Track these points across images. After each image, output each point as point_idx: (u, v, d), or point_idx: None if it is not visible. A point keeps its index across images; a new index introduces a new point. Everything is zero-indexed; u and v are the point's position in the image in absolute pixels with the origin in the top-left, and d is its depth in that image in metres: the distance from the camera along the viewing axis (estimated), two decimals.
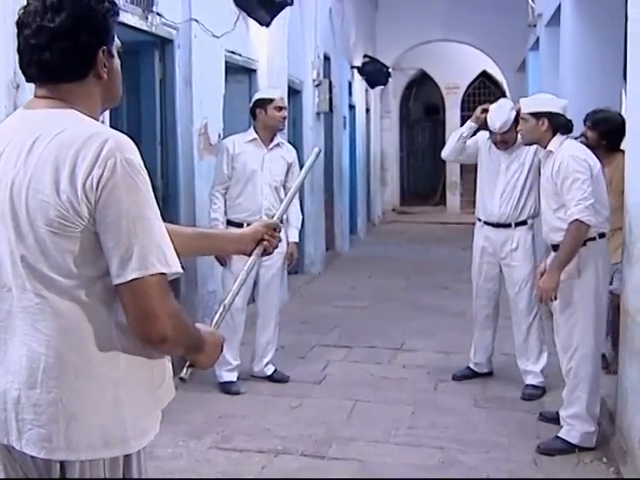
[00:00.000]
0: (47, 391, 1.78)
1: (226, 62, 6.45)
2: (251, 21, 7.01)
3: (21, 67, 1.85)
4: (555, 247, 4.36)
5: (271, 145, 5.45)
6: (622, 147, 5.07)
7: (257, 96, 5.54)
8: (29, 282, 1.77)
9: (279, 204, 5.29)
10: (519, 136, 5.20)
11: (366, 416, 4.89)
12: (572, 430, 4.31)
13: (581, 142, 4.79)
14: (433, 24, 14.97)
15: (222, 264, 5.22)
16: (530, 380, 5.31)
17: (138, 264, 1.70)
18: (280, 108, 5.36)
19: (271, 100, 5.33)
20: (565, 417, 4.35)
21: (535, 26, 10.11)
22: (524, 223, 5.33)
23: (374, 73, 13.64)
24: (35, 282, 1.77)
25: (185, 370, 1.98)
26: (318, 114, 9.98)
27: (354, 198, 13.43)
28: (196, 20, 5.67)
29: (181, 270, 1.79)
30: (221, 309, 2.14)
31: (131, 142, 1.77)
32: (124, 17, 4.63)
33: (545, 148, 4.42)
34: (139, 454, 1.90)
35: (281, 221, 5.50)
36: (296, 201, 5.41)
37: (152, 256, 1.72)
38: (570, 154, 4.25)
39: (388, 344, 6.57)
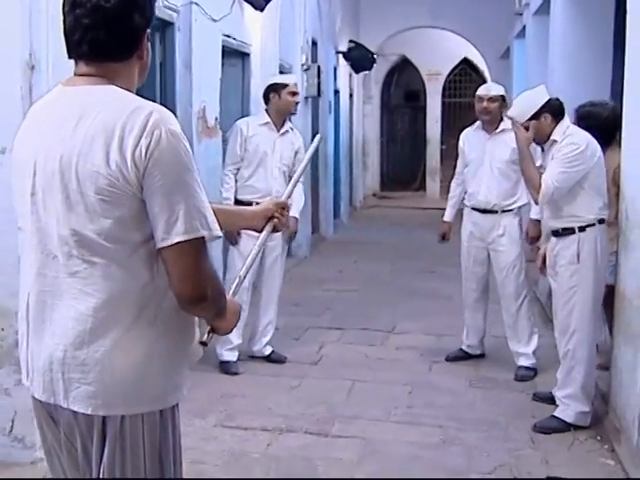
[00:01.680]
0: (94, 350, 1.89)
1: (222, 46, 6.48)
2: (246, 5, 7.05)
3: (69, 45, 1.92)
4: (554, 232, 4.48)
5: (282, 130, 5.55)
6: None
7: (271, 81, 5.62)
8: (76, 249, 1.87)
9: (285, 187, 5.39)
10: (502, 124, 5.42)
11: (365, 395, 5.00)
12: (567, 409, 4.44)
13: None
14: (416, 10, 15.02)
15: (232, 243, 5.31)
16: (522, 362, 5.44)
17: (183, 228, 1.82)
18: (294, 93, 5.45)
19: (285, 85, 5.43)
20: (561, 397, 4.48)
21: (521, 14, 10.21)
22: (511, 210, 5.47)
23: (359, 58, 13.70)
24: (83, 249, 1.87)
25: (207, 335, 2.10)
26: (306, 98, 10.01)
27: (337, 183, 13.50)
28: (196, 3, 5.70)
29: (221, 234, 1.93)
30: (237, 280, 2.28)
31: (172, 114, 1.88)
32: None
33: (549, 137, 4.49)
34: (173, 409, 2.03)
35: None
36: (301, 185, 5.52)
37: (195, 221, 1.83)
38: (572, 141, 4.35)
39: (380, 326, 6.69)
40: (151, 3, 1.97)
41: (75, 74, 1.96)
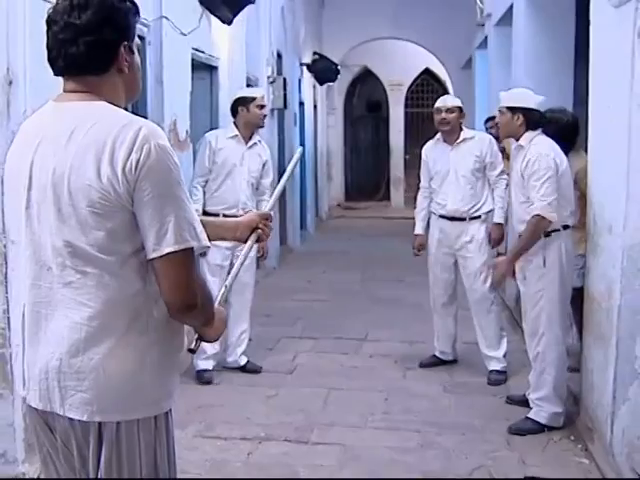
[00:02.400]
0: (89, 358, 1.96)
1: (192, 59, 6.52)
2: (213, 19, 7.09)
3: (49, 61, 2.01)
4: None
5: (250, 143, 5.64)
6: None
7: (239, 94, 5.72)
8: (70, 260, 1.94)
9: (253, 200, 5.50)
10: (462, 133, 5.57)
11: (341, 403, 5.06)
12: (541, 411, 4.55)
13: None
14: (378, 22, 15.17)
15: (200, 254, 5.35)
16: (494, 366, 5.54)
17: (173, 239, 1.89)
18: (262, 106, 5.56)
19: (253, 98, 5.54)
20: (534, 399, 4.58)
21: (483, 25, 10.38)
22: (478, 217, 5.59)
23: (323, 70, 13.81)
24: (76, 259, 1.94)
25: (195, 342, 2.20)
26: (272, 110, 10.07)
27: (303, 194, 13.55)
28: (166, 18, 5.73)
29: (209, 244, 2.04)
30: (223, 289, 2.35)
31: (160, 129, 1.97)
32: None
33: (517, 141, 4.63)
34: (167, 415, 2.10)
35: None
36: (268, 198, 5.61)
37: (185, 232, 1.91)
38: (538, 151, 4.47)
39: (352, 335, 6.75)
40: (126, 18, 2.03)
41: (64, 90, 2.04)
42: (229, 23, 7.30)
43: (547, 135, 4.93)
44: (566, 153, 4.76)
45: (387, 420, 4.76)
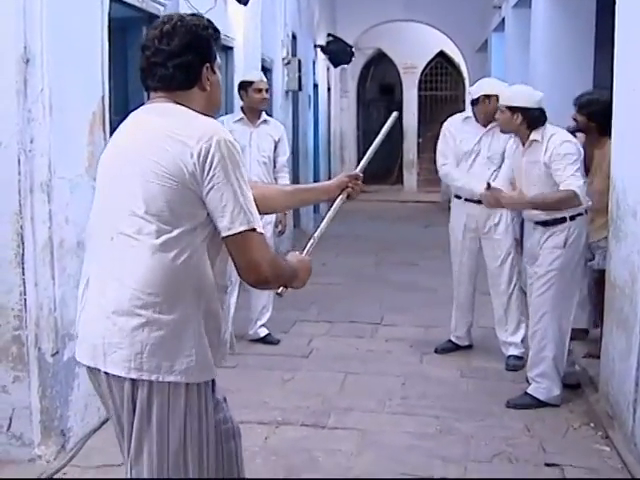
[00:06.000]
0: (131, 317, 2.16)
1: None
2: None
3: (142, 79, 2.36)
4: (544, 223, 4.56)
5: (257, 122, 5.80)
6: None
7: (241, 78, 5.93)
8: (128, 227, 2.18)
9: (268, 177, 5.60)
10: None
11: (358, 387, 5.03)
12: (539, 387, 4.64)
13: (572, 126, 5.03)
14: (392, 4, 15.03)
15: None
16: (512, 351, 5.48)
17: (245, 219, 2.14)
18: (259, 90, 5.71)
19: (250, 83, 5.73)
20: (533, 377, 4.65)
21: (500, 7, 10.27)
22: None
23: (338, 52, 13.71)
24: (133, 227, 2.17)
25: (281, 288, 2.42)
26: (287, 92, 10.02)
27: (317, 177, 13.51)
28: None
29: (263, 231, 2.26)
30: (311, 241, 2.63)
31: (224, 127, 2.30)
32: None
33: (528, 137, 4.60)
34: (201, 387, 2.25)
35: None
36: (286, 175, 5.91)
37: (252, 215, 2.17)
38: (562, 139, 4.47)
39: (367, 319, 6.72)
40: (208, 43, 2.34)
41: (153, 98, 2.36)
42: (245, 3, 7.23)
43: (591, 117, 5.03)
44: (609, 132, 4.70)
45: (405, 405, 4.72)
